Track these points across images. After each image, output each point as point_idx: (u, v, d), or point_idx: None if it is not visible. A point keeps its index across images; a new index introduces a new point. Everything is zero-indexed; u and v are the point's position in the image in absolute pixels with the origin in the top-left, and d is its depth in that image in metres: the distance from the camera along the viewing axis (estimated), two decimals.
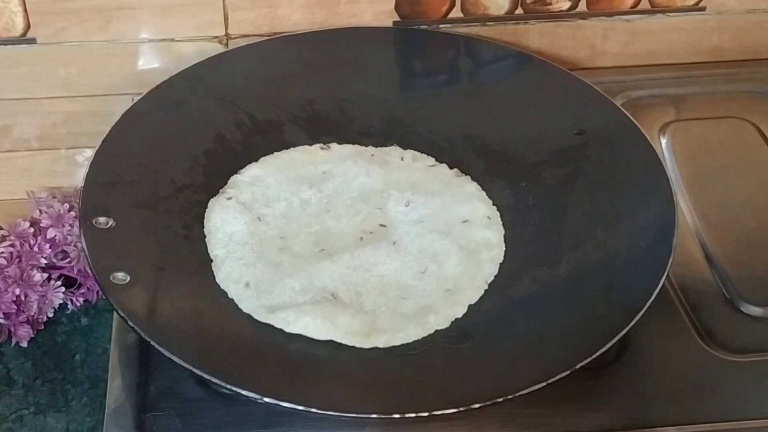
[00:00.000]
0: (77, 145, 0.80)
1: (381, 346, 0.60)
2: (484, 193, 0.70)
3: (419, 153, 0.73)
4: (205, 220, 0.67)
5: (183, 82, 0.74)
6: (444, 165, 0.72)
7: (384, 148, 0.73)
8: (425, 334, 0.61)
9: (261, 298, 0.62)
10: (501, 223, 0.68)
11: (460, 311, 0.62)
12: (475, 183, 0.71)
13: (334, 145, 0.73)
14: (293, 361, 0.58)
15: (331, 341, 0.60)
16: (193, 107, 0.73)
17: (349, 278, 0.63)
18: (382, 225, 0.67)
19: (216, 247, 0.65)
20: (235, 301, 0.62)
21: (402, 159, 0.72)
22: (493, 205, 0.69)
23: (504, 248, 0.67)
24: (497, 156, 0.72)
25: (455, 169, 0.72)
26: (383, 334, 0.60)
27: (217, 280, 0.63)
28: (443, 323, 0.61)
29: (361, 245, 0.66)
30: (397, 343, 0.60)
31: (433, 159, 0.72)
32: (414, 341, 0.60)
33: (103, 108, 0.78)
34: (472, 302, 0.63)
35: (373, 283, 0.63)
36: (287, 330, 0.60)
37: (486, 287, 0.64)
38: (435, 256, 0.65)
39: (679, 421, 0.59)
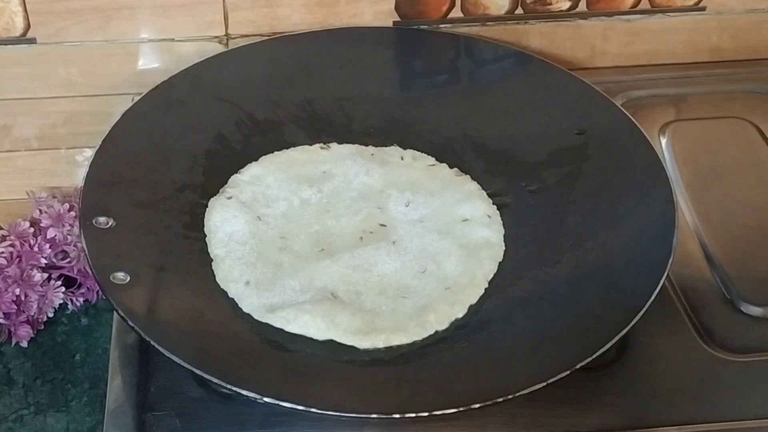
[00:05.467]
0: (77, 145, 0.80)
1: (380, 345, 0.60)
2: (484, 192, 0.70)
3: (419, 152, 0.73)
4: (205, 219, 0.67)
5: (183, 82, 0.74)
6: (444, 164, 0.72)
7: (384, 148, 0.73)
8: (425, 334, 0.61)
9: (261, 297, 0.62)
10: (501, 222, 0.68)
11: (460, 311, 0.62)
12: (475, 182, 0.71)
13: (334, 145, 0.73)
14: (293, 361, 0.58)
15: (331, 341, 0.60)
16: (193, 107, 0.73)
17: (349, 278, 0.63)
18: (382, 225, 0.67)
19: (216, 247, 0.65)
20: (236, 300, 0.62)
21: (402, 158, 0.72)
22: (493, 204, 0.69)
23: (504, 248, 0.67)
24: (497, 156, 0.72)
25: (455, 169, 0.72)
26: (383, 332, 0.60)
27: (217, 280, 0.63)
28: (443, 323, 0.61)
29: (361, 245, 0.66)
30: (397, 342, 0.60)
31: (434, 158, 0.72)
32: (413, 341, 0.60)
33: (103, 108, 0.78)
34: (473, 302, 0.63)
35: (373, 282, 0.63)
36: (287, 329, 0.60)
37: (486, 286, 0.64)
38: (435, 256, 0.65)
39: (679, 421, 0.59)
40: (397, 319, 0.61)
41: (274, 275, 0.63)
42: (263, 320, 0.61)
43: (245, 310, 0.61)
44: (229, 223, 0.66)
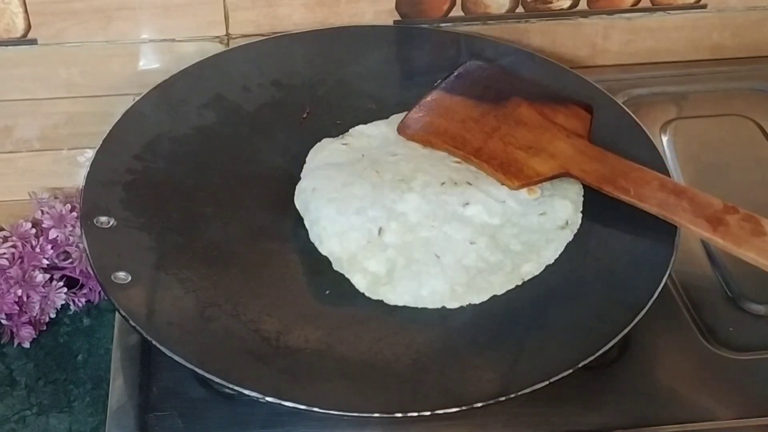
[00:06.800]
0: (79, 145, 0.80)
1: (385, 301, 0.61)
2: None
3: None
4: (311, 154, 0.69)
5: (183, 81, 0.74)
6: None
7: None
8: (432, 306, 0.61)
9: (315, 207, 0.64)
10: None
11: (477, 299, 0.62)
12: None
13: None
14: (295, 360, 0.58)
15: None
16: (194, 107, 0.73)
17: (407, 219, 0.64)
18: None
19: (308, 165, 0.68)
20: (298, 206, 0.65)
21: None
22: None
23: None
24: None
25: None
26: (393, 292, 0.61)
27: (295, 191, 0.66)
28: (452, 304, 0.61)
29: (439, 190, 0.65)
30: (400, 303, 0.61)
31: None
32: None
33: (105, 108, 0.78)
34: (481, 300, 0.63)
35: (421, 239, 0.63)
36: (317, 246, 0.63)
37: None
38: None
39: (681, 419, 0.59)
40: (413, 283, 0.62)
41: (345, 189, 0.65)
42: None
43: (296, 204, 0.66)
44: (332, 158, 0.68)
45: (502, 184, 0.66)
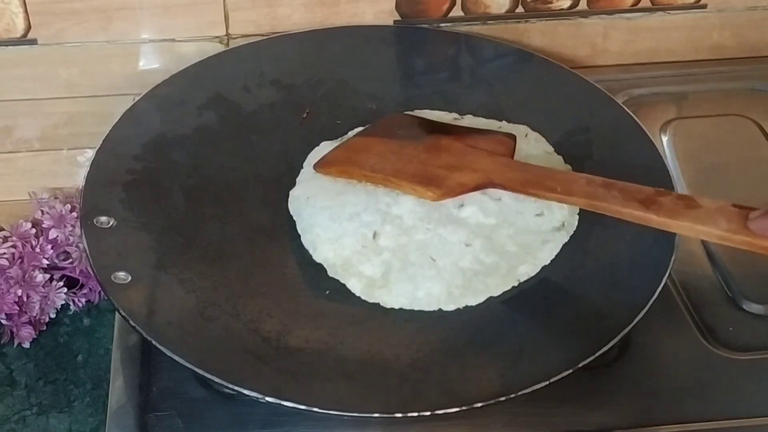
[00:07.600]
0: (79, 145, 0.80)
1: (381, 304, 0.61)
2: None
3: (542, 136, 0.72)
4: (308, 158, 0.69)
5: (183, 81, 0.74)
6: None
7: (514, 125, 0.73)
8: (429, 309, 0.61)
9: (309, 215, 0.65)
10: None
11: (473, 301, 0.62)
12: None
13: (468, 117, 0.73)
14: (295, 360, 0.58)
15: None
16: (194, 107, 0.73)
17: (401, 222, 0.64)
18: None
19: (305, 170, 0.69)
20: (291, 211, 0.66)
21: (526, 135, 0.72)
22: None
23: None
24: None
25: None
26: (389, 294, 0.61)
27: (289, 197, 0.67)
28: (449, 306, 0.61)
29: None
30: (396, 306, 0.61)
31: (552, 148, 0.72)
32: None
33: (105, 108, 0.78)
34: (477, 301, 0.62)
35: (416, 242, 0.63)
36: (311, 253, 0.63)
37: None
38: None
39: (682, 419, 0.59)
40: (408, 285, 0.62)
41: (340, 194, 0.65)
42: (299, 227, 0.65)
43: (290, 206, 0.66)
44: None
45: (421, 197, 0.64)
